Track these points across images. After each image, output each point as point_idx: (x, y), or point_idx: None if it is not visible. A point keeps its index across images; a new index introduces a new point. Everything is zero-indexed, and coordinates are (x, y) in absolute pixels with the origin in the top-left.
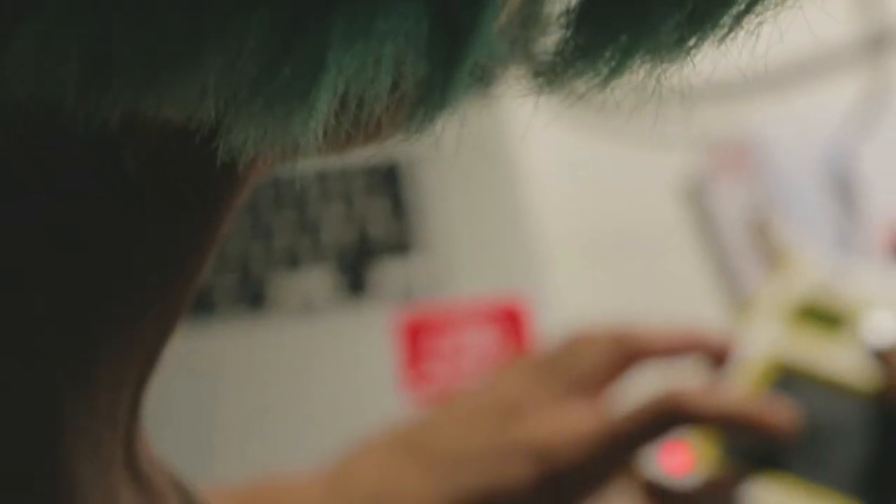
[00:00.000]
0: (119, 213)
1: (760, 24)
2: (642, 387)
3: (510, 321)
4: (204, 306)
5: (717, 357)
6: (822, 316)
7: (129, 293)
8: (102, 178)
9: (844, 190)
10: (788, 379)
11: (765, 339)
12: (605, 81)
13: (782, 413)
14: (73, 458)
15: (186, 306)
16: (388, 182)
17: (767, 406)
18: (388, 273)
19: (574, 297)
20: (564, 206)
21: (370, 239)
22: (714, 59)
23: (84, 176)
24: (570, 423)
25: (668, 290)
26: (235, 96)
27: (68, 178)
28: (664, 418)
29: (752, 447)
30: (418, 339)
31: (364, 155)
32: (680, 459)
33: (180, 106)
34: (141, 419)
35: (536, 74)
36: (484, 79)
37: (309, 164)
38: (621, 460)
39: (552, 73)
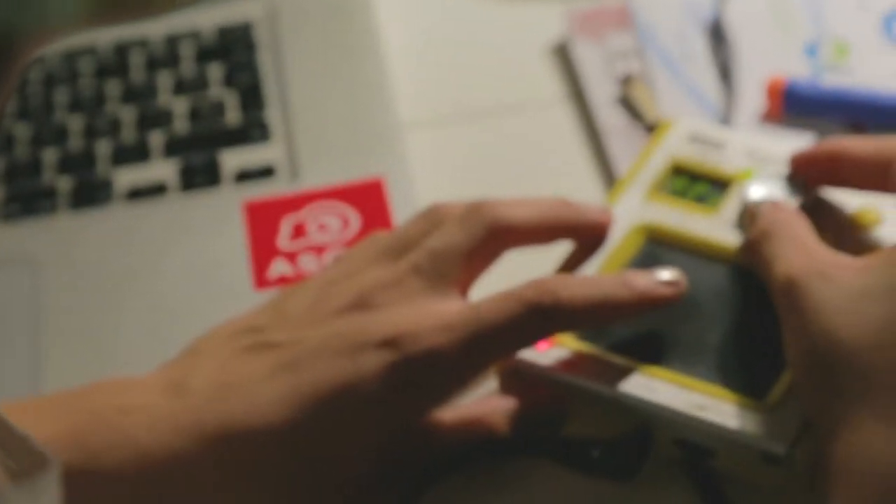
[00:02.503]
0: None
1: None
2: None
3: (369, 202)
4: (45, 207)
5: (595, 236)
6: (694, 181)
7: None
8: None
9: (717, 49)
10: (655, 246)
11: (633, 208)
12: None
13: (667, 289)
14: None
15: None
16: (239, 64)
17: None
18: (240, 160)
19: (434, 176)
20: (423, 78)
21: (222, 127)
22: None
23: None
24: (430, 310)
25: (537, 164)
26: None
27: None
28: (536, 313)
29: (617, 333)
30: (272, 226)
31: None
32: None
33: None
34: None
35: None
36: None
37: (155, 41)
38: (487, 358)
39: None
